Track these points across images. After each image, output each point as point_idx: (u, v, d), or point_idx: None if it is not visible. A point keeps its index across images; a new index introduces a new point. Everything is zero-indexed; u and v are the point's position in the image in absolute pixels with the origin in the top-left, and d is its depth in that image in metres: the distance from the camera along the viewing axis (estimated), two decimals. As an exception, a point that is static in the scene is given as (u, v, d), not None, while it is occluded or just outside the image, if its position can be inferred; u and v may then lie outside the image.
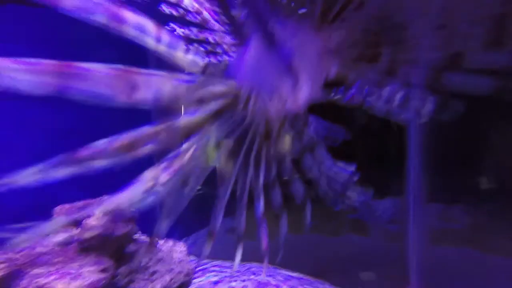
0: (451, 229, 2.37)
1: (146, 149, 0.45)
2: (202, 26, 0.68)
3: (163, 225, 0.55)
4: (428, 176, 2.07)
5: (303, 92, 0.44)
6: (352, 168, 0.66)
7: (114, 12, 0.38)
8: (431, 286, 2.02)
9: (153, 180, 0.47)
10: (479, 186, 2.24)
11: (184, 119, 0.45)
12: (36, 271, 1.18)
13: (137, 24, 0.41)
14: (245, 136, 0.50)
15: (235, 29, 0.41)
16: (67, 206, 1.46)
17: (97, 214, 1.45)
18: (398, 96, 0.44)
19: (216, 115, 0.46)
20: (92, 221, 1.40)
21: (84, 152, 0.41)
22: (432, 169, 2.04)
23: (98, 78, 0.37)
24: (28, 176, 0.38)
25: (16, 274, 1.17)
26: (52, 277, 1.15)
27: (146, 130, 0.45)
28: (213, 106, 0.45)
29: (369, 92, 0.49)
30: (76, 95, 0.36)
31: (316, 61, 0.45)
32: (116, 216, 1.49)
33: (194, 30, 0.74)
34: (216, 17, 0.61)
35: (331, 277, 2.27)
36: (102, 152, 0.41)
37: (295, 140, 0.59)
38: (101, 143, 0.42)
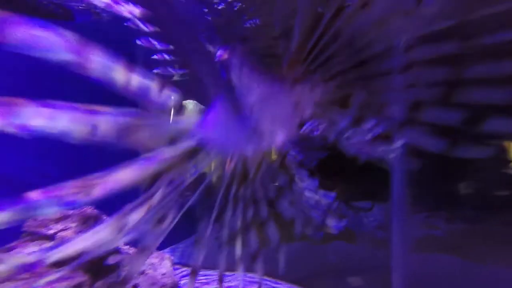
0: (433, 236, 2.44)
1: (113, 189, 0.44)
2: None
3: (141, 260, 0.54)
4: (410, 184, 2.13)
5: (279, 137, 0.46)
6: (332, 195, 0.67)
7: (80, 50, 0.37)
8: None
9: (121, 221, 0.46)
10: (458, 194, 2.33)
11: (152, 161, 0.44)
12: (6, 285, 1.14)
13: (104, 63, 0.40)
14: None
15: (200, 91, 0.41)
16: (37, 222, 1.40)
17: (73, 226, 1.42)
18: (366, 136, 0.46)
19: (187, 156, 0.46)
20: (66, 234, 1.36)
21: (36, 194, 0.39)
22: (414, 178, 2.10)
23: (59, 115, 0.36)
24: None
25: None
26: None
27: (115, 170, 0.44)
28: (182, 147, 0.45)
29: (340, 132, 0.50)
30: (35, 132, 0.35)
31: (290, 109, 0.47)
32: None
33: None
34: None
35: (318, 285, 2.30)
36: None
37: (270, 180, 0.60)
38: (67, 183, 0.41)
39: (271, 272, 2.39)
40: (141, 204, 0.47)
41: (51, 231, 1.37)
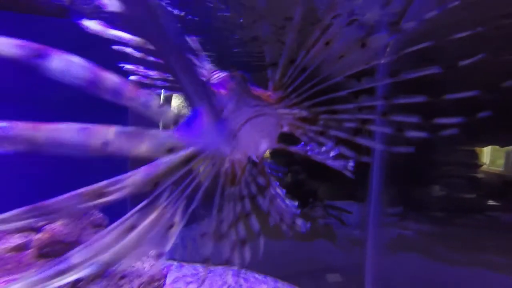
0: (403, 236, 2.61)
1: (114, 196, 0.47)
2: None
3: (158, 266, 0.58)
4: (386, 187, 2.30)
5: (262, 145, 0.55)
6: (295, 203, 0.80)
7: (96, 75, 0.41)
8: None
9: (131, 224, 0.51)
10: (429, 196, 2.53)
11: (152, 168, 0.50)
12: None
13: (115, 86, 0.43)
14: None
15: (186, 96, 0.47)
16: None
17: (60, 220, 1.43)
18: (330, 151, 0.58)
19: (185, 162, 0.54)
20: (55, 226, 1.38)
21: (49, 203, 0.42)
22: (390, 181, 2.27)
23: (72, 134, 0.40)
24: None
25: None
26: (6, 284, 1.12)
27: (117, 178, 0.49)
28: (183, 153, 0.52)
29: (310, 145, 0.62)
30: (50, 151, 0.39)
31: (273, 124, 0.57)
32: (82, 220, 1.48)
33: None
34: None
35: (299, 279, 2.43)
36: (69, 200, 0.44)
37: (252, 182, 0.70)
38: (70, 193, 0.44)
39: (257, 266, 2.49)
40: (149, 209, 0.54)
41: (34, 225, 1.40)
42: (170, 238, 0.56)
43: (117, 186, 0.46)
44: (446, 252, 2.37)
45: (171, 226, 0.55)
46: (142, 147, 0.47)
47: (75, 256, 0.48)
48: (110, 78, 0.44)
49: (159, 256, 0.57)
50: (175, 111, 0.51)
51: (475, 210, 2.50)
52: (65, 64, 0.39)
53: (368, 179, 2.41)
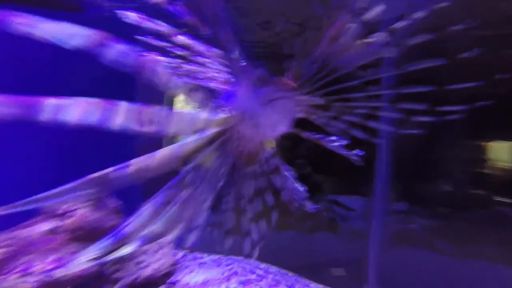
0: (408, 230, 2.63)
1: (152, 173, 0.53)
2: (203, 65, 0.82)
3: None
4: (392, 182, 2.34)
5: (280, 127, 0.62)
6: (304, 187, 0.87)
7: (140, 62, 0.48)
8: (387, 283, 2.28)
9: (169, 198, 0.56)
10: (434, 191, 2.55)
11: (185, 145, 0.56)
12: (30, 257, 1.28)
13: (157, 73, 0.50)
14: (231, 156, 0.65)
15: (233, 70, 0.53)
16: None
17: (86, 206, 1.53)
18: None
19: (212, 141, 0.60)
20: (81, 212, 1.48)
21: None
22: (396, 176, 2.31)
23: (129, 113, 0.47)
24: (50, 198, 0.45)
25: (13, 258, 1.26)
26: (43, 264, 1.22)
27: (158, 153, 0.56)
28: (209, 133, 0.59)
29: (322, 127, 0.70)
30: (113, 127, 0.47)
31: (291, 109, 0.64)
32: (102, 207, 1.57)
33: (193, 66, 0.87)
34: (214, 58, 0.76)
35: (303, 271, 2.49)
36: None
37: (268, 162, 0.78)
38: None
39: (264, 257, 2.56)
40: (180, 186, 0.57)
41: (60, 211, 1.50)
42: (203, 212, 0.61)
43: (152, 161, 0.52)
44: (447, 245, 2.39)
45: (204, 201, 0.61)
46: (177, 126, 0.54)
47: (128, 227, 0.53)
48: (153, 65, 0.50)
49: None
50: (202, 95, 0.57)
51: (482, 206, 2.51)
52: (119, 52, 0.45)
53: (373, 174, 2.45)
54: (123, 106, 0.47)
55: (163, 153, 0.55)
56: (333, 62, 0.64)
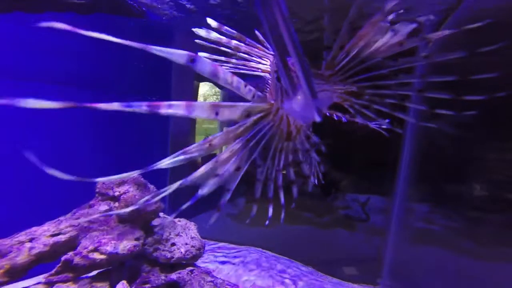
0: (430, 230, 2.59)
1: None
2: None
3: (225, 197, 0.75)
4: (415, 180, 2.32)
5: (318, 115, 0.72)
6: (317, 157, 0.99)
7: (215, 68, 0.61)
8: (401, 280, 2.27)
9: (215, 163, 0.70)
10: (463, 192, 2.46)
11: (235, 128, 0.72)
12: (93, 234, 1.48)
13: (224, 75, 0.64)
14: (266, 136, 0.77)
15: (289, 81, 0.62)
16: (105, 185, 1.73)
17: (131, 190, 1.73)
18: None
19: (254, 124, 0.73)
20: (127, 196, 1.67)
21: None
22: (420, 175, 2.28)
23: (202, 107, 0.63)
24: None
25: (80, 235, 1.49)
26: (104, 240, 1.44)
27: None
28: (254, 117, 0.71)
29: (353, 115, 0.79)
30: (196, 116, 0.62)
31: (328, 97, 0.75)
32: (145, 191, 1.75)
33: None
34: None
35: (319, 265, 2.54)
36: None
37: (303, 142, 0.88)
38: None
39: (284, 251, 2.62)
40: (226, 151, 0.73)
41: (116, 193, 1.69)
42: (236, 177, 0.74)
43: (215, 140, 0.67)
44: (470, 248, 2.31)
45: (238, 168, 0.74)
46: (235, 114, 0.67)
47: (198, 171, 0.69)
48: (221, 70, 0.63)
49: (227, 191, 0.73)
50: (251, 91, 0.70)
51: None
52: (203, 63, 0.58)
53: (396, 174, 2.43)
54: (199, 103, 0.62)
55: (222, 135, 0.70)
56: (367, 54, 0.73)
